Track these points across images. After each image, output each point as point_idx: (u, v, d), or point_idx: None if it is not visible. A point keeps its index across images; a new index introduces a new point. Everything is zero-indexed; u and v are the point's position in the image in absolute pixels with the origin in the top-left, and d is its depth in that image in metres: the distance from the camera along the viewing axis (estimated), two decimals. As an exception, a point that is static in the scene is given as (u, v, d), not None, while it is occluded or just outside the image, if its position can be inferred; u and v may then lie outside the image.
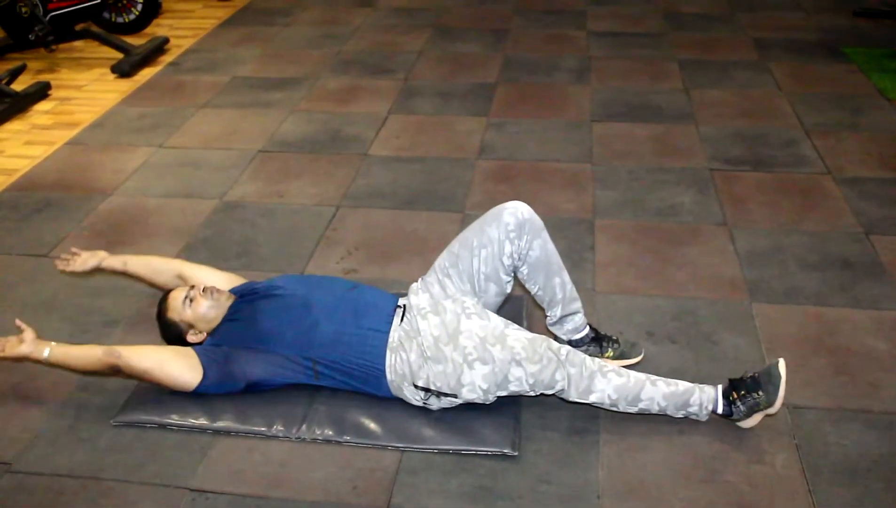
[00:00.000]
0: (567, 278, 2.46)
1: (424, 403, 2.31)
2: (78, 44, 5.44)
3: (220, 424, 2.34)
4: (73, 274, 2.67)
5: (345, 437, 2.28)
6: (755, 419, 2.25)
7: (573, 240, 3.17)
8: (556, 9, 5.95)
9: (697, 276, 2.95)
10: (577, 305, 2.49)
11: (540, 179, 3.62)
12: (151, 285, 2.65)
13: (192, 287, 2.43)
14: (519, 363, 2.20)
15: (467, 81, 4.72)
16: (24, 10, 4.93)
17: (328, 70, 4.95)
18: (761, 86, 4.56)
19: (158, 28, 5.87)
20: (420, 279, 2.50)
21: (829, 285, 2.88)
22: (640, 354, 2.53)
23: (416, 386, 2.28)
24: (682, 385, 2.26)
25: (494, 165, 3.76)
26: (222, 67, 5.07)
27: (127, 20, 5.51)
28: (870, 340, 2.61)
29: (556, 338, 2.53)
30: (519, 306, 2.73)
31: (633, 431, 2.29)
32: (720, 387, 2.27)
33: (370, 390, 2.34)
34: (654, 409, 2.25)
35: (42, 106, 4.64)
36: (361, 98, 4.54)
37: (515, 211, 2.36)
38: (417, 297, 2.40)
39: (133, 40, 5.42)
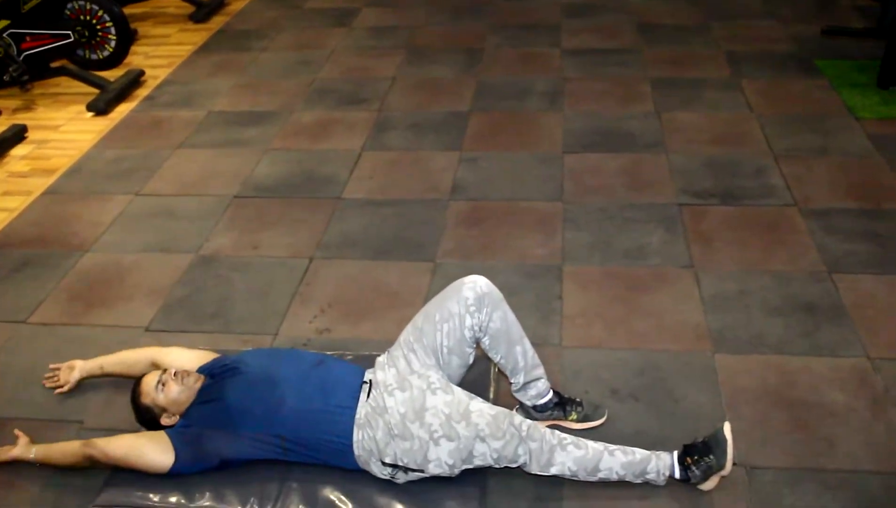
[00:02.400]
0: (528, 345, 2.52)
1: (392, 477, 2.38)
2: (54, 80, 5.45)
3: (197, 504, 2.40)
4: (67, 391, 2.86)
5: (316, 514, 2.35)
6: (713, 481, 2.33)
7: (542, 289, 3.22)
8: (530, 23, 5.97)
9: (662, 326, 3.01)
10: (540, 371, 2.55)
11: (511, 222, 3.67)
12: (130, 378, 2.71)
13: (164, 371, 2.49)
14: (483, 440, 2.27)
15: (440, 110, 4.76)
16: (-2, 51, 4.96)
17: (302, 101, 4.98)
18: (732, 107, 4.60)
19: (134, 57, 5.88)
20: (386, 353, 2.56)
21: (791, 331, 2.94)
22: (602, 416, 2.60)
23: (383, 462, 2.35)
24: (639, 454, 2.34)
25: (466, 206, 3.81)
26: (198, 100, 5.09)
27: (101, 56, 5.52)
28: (827, 391, 2.68)
29: (521, 404, 2.60)
30: (486, 371, 2.79)
31: (597, 496, 2.36)
32: (675, 453, 2.35)
33: (338, 463, 2.41)
34: (614, 478, 2.33)
35: (19, 150, 4.67)
36: (335, 133, 4.57)
37: (474, 286, 2.42)
38: (384, 372, 2.46)
39: (109, 74, 5.44)
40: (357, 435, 2.35)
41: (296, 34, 6.10)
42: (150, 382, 2.48)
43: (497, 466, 2.33)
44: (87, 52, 5.54)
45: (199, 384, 2.49)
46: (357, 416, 2.37)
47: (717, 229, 3.53)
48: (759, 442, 2.51)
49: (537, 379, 2.55)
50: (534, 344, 2.58)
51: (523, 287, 3.24)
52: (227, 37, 6.16)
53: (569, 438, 2.33)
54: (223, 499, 2.41)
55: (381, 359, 2.54)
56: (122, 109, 5.07)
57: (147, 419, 2.49)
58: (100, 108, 5.01)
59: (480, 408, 2.32)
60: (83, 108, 5.09)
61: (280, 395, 2.39)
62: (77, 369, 2.83)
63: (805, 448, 2.48)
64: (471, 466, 2.33)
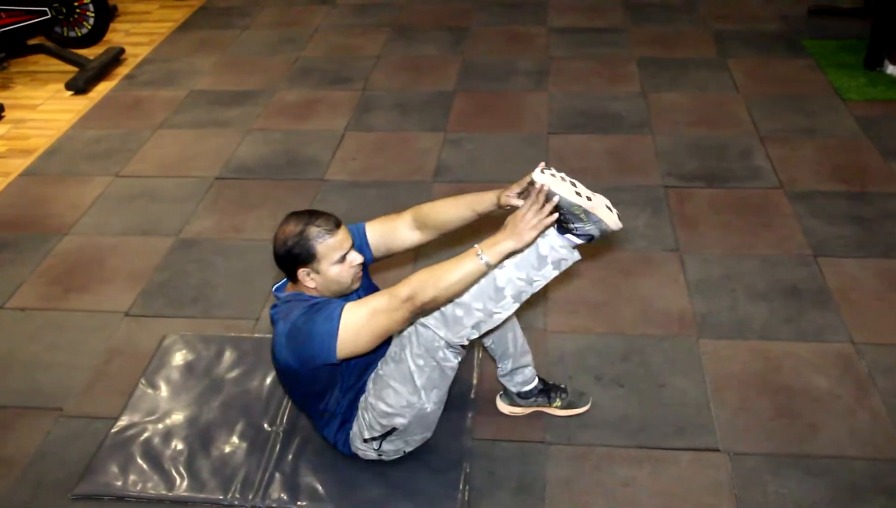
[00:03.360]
0: (519, 332, 2.50)
1: (379, 454, 2.35)
2: (32, 57, 5.35)
3: (177, 493, 2.38)
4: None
5: (299, 502, 2.34)
6: (604, 215, 2.07)
7: (526, 273, 3.19)
8: (517, 1, 5.90)
9: (648, 310, 2.99)
10: (528, 358, 2.53)
11: (495, 204, 3.63)
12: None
13: (352, 251, 2.16)
14: (400, 359, 2.19)
15: (425, 90, 4.70)
16: (-27, 28, 4.86)
17: (286, 80, 4.91)
18: (719, 87, 4.56)
19: (114, 34, 5.78)
20: None
21: (776, 316, 2.93)
22: (587, 403, 2.59)
23: (364, 440, 2.33)
24: (525, 251, 2.08)
25: (451, 187, 3.77)
26: (179, 79, 5.02)
27: (80, 34, 5.41)
28: (811, 376, 2.67)
29: (505, 389, 2.58)
30: (469, 356, 2.77)
31: (578, 482, 2.36)
32: (553, 228, 2.08)
33: (337, 445, 2.40)
34: (522, 285, 2.09)
35: (-3, 130, 4.60)
36: (319, 112, 4.51)
37: None
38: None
39: (89, 52, 5.35)
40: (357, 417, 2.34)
41: (279, 11, 6.01)
42: (342, 239, 2.11)
43: (439, 369, 2.18)
44: (65, 29, 5.43)
45: (352, 290, 2.23)
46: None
47: (703, 212, 3.51)
48: (742, 428, 2.50)
49: (525, 366, 2.53)
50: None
51: (508, 271, 3.21)
52: (208, 14, 6.06)
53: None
54: (204, 488, 2.40)
55: None
56: (102, 88, 4.98)
57: (297, 252, 2.09)
58: (79, 86, 4.92)
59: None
60: (62, 86, 5.00)
61: (357, 371, 2.29)
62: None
63: (789, 434, 2.47)
64: (424, 393, 2.19)
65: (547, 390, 2.57)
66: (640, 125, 4.22)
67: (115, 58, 5.25)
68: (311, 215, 2.12)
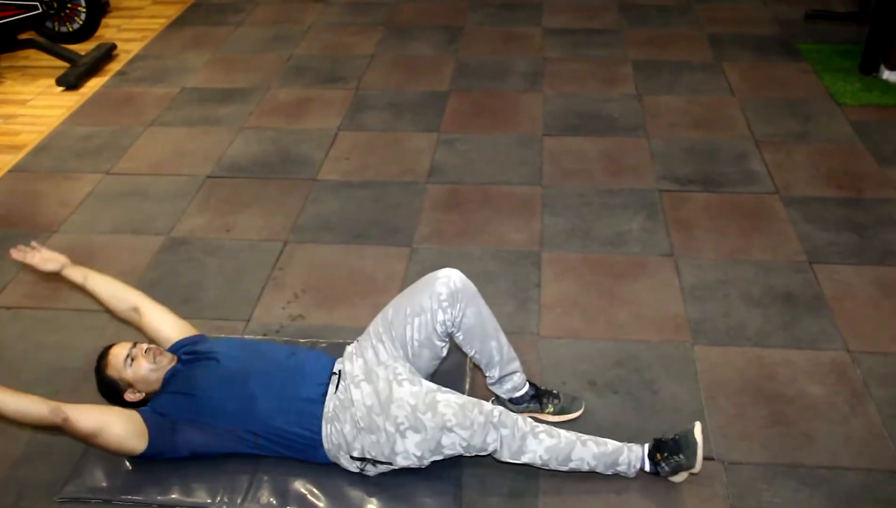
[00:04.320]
0: (504, 339, 2.47)
1: (361, 470, 2.33)
2: (23, 52, 5.30)
3: (165, 497, 2.35)
4: (26, 267, 2.62)
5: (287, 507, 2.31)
6: (682, 476, 2.32)
7: (520, 276, 3.17)
8: (512, 1, 5.88)
9: (642, 315, 2.97)
10: (516, 364, 2.51)
11: (489, 205, 3.61)
12: (105, 307, 2.62)
13: (135, 345, 2.42)
14: (451, 430, 2.21)
15: (419, 90, 4.67)
16: (-37, 22, 4.81)
17: (279, 78, 4.88)
18: (714, 90, 4.55)
19: (106, 29, 5.74)
20: (356, 342, 2.51)
21: (771, 322, 2.92)
22: (580, 408, 2.56)
23: (352, 456, 2.31)
24: (611, 445, 2.31)
25: (444, 189, 3.74)
26: (171, 76, 4.97)
27: (71, 29, 5.37)
28: (807, 384, 2.65)
29: (497, 397, 2.56)
30: (461, 363, 2.74)
31: (572, 490, 2.33)
32: (646, 447, 2.33)
33: (309, 458, 2.36)
34: (585, 468, 2.30)
35: (-14, 125, 4.55)
36: (312, 111, 4.48)
37: (448, 281, 2.36)
38: (352, 364, 2.41)
39: (80, 48, 5.30)
40: (326, 429, 2.31)
41: (272, 9, 5.97)
42: (118, 354, 2.40)
43: (467, 455, 2.29)
44: (56, 24, 5.38)
45: (170, 366, 2.42)
46: (325, 410, 2.32)
47: (697, 216, 3.49)
48: (737, 437, 2.48)
49: (513, 373, 2.50)
50: (511, 333, 2.54)
51: (501, 274, 3.19)
52: (202, 10, 6.02)
53: (541, 426, 2.29)
54: (192, 493, 2.36)
55: (349, 349, 2.49)
56: (93, 84, 4.94)
57: (110, 391, 2.42)
58: (70, 82, 4.88)
59: (447, 398, 2.26)
60: (52, 82, 4.96)
61: (252, 391, 2.34)
62: (61, 261, 2.60)
63: (783, 443, 2.46)
64: (440, 456, 2.28)
65: (539, 395, 2.55)
66: (635, 128, 4.21)
67: (107, 54, 5.21)
68: (95, 369, 2.44)
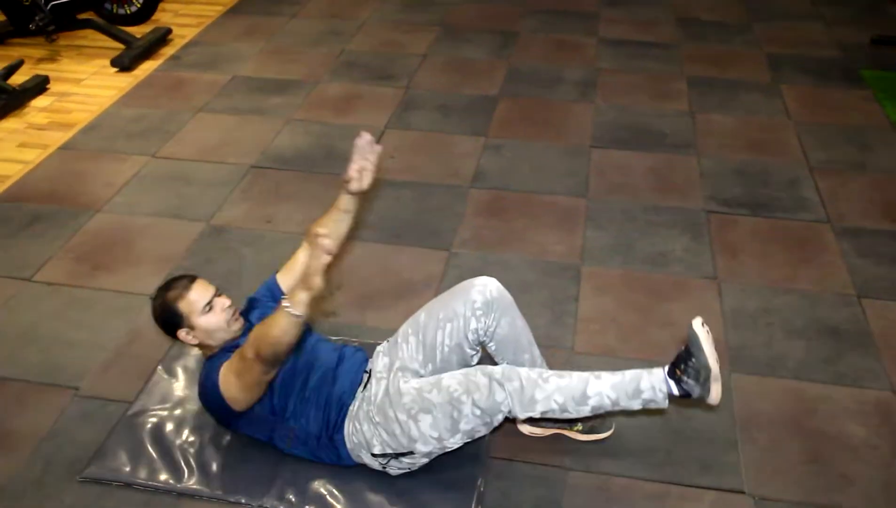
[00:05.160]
0: (537, 353, 2.43)
1: (384, 468, 2.30)
2: (81, 32, 5.36)
3: (185, 485, 2.34)
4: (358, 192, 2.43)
5: (306, 507, 2.28)
6: (714, 389, 2.16)
7: (557, 289, 3.12)
8: (568, 9, 5.81)
9: (680, 338, 2.89)
10: (549, 379, 2.45)
11: (531, 214, 3.56)
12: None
13: (219, 294, 2.33)
14: (459, 400, 2.15)
15: (469, 93, 4.63)
16: (25, -2, 4.89)
17: (329, 72, 4.87)
18: (770, 112, 4.44)
19: (163, 14, 5.78)
20: (385, 342, 2.48)
21: (813, 355, 2.83)
22: (609, 429, 2.51)
23: (372, 454, 2.27)
24: (629, 374, 2.21)
25: (487, 195, 3.70)
26: (223, 63, 5.00)
27: (129, 11, 5.42)
28: (848, 424, 2.56)
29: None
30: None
31: (597, 507, 2.28)
32: (665, 368, 2.21)
33: (332, 459, 2.34)
34: (607, 404, 2.18)
35: (40, 101, 4.60)
36: (360, 108, 4.47)
37: (484, 289, 2.32)
38: (379, 361, 2.40)
39: (136, 30, 5.35)
40: (348, 428, 2.28)
41: (327, 2, 5.97)
42: (199, 297, 2.27)
43: (486, 425, 2.19)
44: (114, 6, 5.44)
45: (234, 339, 2.31)
46: (351, 408, 2.29)
47: (744, 240, 3.41)
48: (770, 471, 2.40)
49: (544, 387, 2.45)
50: (544, 346, 2.50)
51: (538, 284, 3.14)
52: (258, 0, 6.04)
53: (549, 372, 2.21)
54: (212, 483, 2.36)
55: (379, 348, 2.47)
56: (147, 67, 4.98)
57: (168, 321, 2.29)
58: (124, 64, 4.92)
59: (452, 374, 2.22)
60: (107, 63, 5.01)
61: (308, 393, 2.31)
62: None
63: (819, 483, 2.37)
64: (461, 434, 2.19)
65: (569, 413, 2.49)
66: (686, 145, 4.12)
67: (162, 38, 5.25)
68: (167, 285, 2.33)
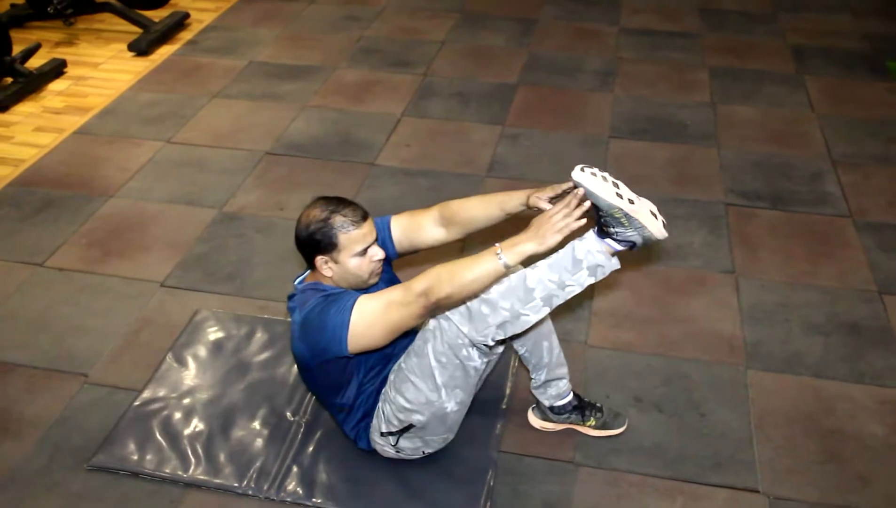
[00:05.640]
0: (555, 342, 2.39)
1: (396, 449, 2.27)
2: (99, 16, 5.35)
3: (192, 475, 2.33)
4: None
5: (314, 500, 2.26)
6: (648, 222, 1.93)
7: (572, 281, 3.07)
8: (590, -4, 5.73)
9: (696, 333, 2.85)
10: (563, 371, 2.42)
11: (547, 205, 3.50)
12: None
13: (376, 242, 2.12)
14: (421, 354, 2.09)
15: (487, 80, 4.58)
16: (43, -19, 4.88)
17: (347, 59, 4.84)
18: (793, 104, 4.36)
19: (181, -2, 5.77)
20: None
21: (832, 352, 2.77)
22: (622, 425, 2.47)
23: (381, 434, 2.25)
24: (561, 251, 2.00)
25: (503, 184, 3.65)
26: (240, 48, 4.97)
27: (147, -5, 5.41)
28: (867, 423, 2.51)
29: (537, 403, 2.47)
30: (506, 364, 2.67)
31: (607, 506, 2.25)
32: (593, 230, 1.99)
33: (360, 443, 2.33)
34: (553, 288, 1.97)
35: (57, 85, 4.60)
36: (377, 95, 4.43)
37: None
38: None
39: (154, 14, 5.33)
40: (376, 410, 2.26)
41: (347, -12, 5.92)
42: (363, 236, 2.05)
43: (463, 369, 2.08)
44: (132, -11, 5.43)
45: (371, 285, 2.16)
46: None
47: (763, 235, 3.34)
48: (785, 470, 2.36)
49: (559, 379, 2.42)
50: (558, 340, 2.44)
51: (553, 278, 3.09)
52: (277, -15, 5.99)
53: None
54: (220, 473, 2.34)
55: None
56: (164, 52, 4.96)
57: (314, 245, 2.05)
58: (141, 48, 4.91)
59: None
60: (125, 47, 5.00)
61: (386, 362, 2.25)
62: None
63: (835, 482, 2.32)
64: (444, 391, 2.10)
65: (582, 407, 2.46)
66: (706, 137, 4.05)
67: (180, 22, 5.23)
68: (338, 203, 2.07)
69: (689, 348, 2.79)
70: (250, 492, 2.29)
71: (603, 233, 1.96)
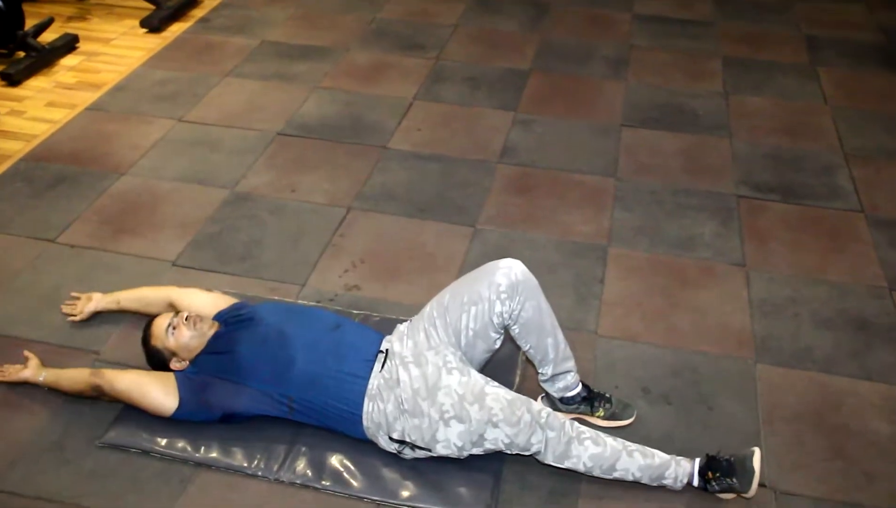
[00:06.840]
0: (560, 337, 2.39)
1: (398, 452, 2.29)
2: (111, -10, 5.35)
3: (203, 455, 2.34)
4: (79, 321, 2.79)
5: (322, 483, 2.28)
6: (731, 496, 2.24)
7: (583, 270, 3.08)
8: (604, -18, 5.69)
9: (705, 325, 2.86)
10: (570, 364, 2.43)
11: (559, 194, 3.51)
12: (146, 316, 2.65)
13: (176, 314, 2.43)
14: (496, 425, 2.17)
15: (500, 65, 4.56)
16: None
17: (359, 40, 4.82)
18: (806, 96, 4.34)
19: (194, -26, 5.73)
20: (408, 321, 2.45)
21: (841, 348, 2.78)
22: (631, 416, 2.48)
23: (391, 437, 2.27)
24: (658, 458, 2.23)
25: (515, 171, 3.65)
26: (253, 27, 4.95)
27: (160, -29, 5.37)
28: (874, 420, 2.52)
29: (546, 395, 2.48)
30: (513, 354, 2.68)
31: (613, 497, 2.26)
32: (697, 462, 2.24)
33: (345, 431, 2.34)
34: (629, 478, 2.23)
35: (69, 60, 4.59)
36: (389, 77, 4.42)
37: (509, 272, 2.29)
38: (401, 344, 2.36)
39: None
40: (367, 406, 2.27)
41: (360, -32, 5.88)
42: (160, 325, 2.42)
43: (508, 452, 2.24)
44: (145, -35, 5.39)
45: (212, 331, 2.41)
46: (369, 387, 2.28)
47: (774, 227, 3.34)
48: (791, 466, 2.37)
49: (567, 372, 2.42)
50: (567, 328, 2.47)
51: (564, 265, 3.11)
52: (290, -37, 5.96)
53: (588, 432, 2.22)
54: (230, 454, 2.36)
55: (401, 328, 2.44)
56: (176, 29, 4.95)
57: (157, 361, 2.44)
58: (154, 25, 4.89)
59: (496, 392, 2.21)
60: (137, 23, 4.98)
61: (291, 355, 2.32)
62: (94, 301, 2.78)
63: (841, 479, 2.33)
64: (480, 450, 2.24)
65: (591, 398, 2.47)
66: (718, 127, 4.04)
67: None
68: (142, 340, 2.48)
69: (698, 340, 2.80)
70: (259, 473, 2.30)
71: (705, 475, 2.22)
